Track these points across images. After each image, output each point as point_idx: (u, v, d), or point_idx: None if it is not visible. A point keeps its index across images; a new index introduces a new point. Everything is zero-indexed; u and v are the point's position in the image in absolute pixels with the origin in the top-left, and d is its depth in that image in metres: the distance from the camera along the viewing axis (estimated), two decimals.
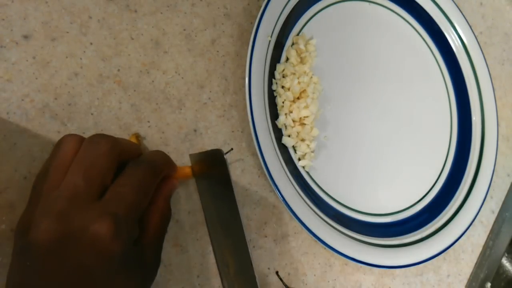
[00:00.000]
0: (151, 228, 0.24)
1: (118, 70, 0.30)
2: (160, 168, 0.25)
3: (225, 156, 0.28)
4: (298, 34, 0.37)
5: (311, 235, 0.31)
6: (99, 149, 0.22)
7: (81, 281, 0.19)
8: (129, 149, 0.24)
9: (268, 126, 0.32)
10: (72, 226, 0.19)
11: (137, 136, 0.29)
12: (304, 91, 0.35)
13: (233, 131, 0.33)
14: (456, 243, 0.38)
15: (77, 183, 0.21)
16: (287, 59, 0.36)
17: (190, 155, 0.30)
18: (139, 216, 0.23)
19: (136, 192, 0.22)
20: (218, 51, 0.34)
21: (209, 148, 0.32)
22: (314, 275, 0.34)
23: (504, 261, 0.50)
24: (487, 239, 0.44)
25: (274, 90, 0.34)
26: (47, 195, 0.21)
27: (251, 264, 0.27)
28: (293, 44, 0.36)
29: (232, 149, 0.32)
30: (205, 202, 0.30)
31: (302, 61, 0.36)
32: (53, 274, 0.19)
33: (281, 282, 0.32)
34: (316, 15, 0.38)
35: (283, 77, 0.35)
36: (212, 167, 0.29)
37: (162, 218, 0.25)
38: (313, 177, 0.35)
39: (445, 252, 0.37)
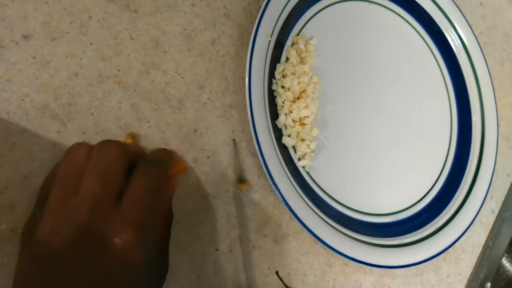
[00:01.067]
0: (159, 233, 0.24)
1: (118, 70, 0.30)
2: (169, 165, 0.25)
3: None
4: (298, 34, 0.37)
5: (311, 235, 0.31)
6: (111, 154, 0.22)
7: (105, 282, 0.19)
8: (137, 152, 0.25)
9: (268, 126, 0.32)
10: (97, 235, 0.19)
11: (133, 135, 0.29)
12: (304, 91, 0.35)
13: (233, 131, 0.33)
14: (456, 243, 0.38)
15: (95, 189, 0.20)
16: (287, 59, 0.36)
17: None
18: (159, 223, 0.22)
19: (152, 194, 0.22)
20: (218, 51, 0.34)
21: (208, 148, 0.32)
22: (314, 275, 0.34)
23: (504, 261, 0.50)
24: (487, 239, 0.44)
25: (274, 90, 0.34)
26: (64, 202, 0.20)
27: None
28: (293, 44, 0.36)
29: (234, 140, 0.32)
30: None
31: (302, 61, 0.36)
32: (80, 282, 0.19)
33: (281, 282, 0.32)
34: (316, 15, 0.38)
35: (283, 77, 0.35)
36: None
37: (167, 222, 0.25)
38: (313, 177, 0.35)
39: (445, 252, 0.37)
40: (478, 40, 0.45)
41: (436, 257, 0.37)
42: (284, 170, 0.32)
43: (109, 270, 0.19)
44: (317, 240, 0.32)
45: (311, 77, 0.36)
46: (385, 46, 0.42)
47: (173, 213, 0.27)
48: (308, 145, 0.34)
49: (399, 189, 0.39)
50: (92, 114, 0.29)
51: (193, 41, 0.33)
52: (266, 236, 0.33)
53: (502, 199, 0.46)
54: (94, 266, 0.19)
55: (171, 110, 0.31)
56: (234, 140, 0.33)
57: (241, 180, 0.32)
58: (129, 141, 0.29)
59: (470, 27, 0.45)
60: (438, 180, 0.42)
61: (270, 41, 0.33)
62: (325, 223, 0.33)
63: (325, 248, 0.34)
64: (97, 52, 0.30)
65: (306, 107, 0.34)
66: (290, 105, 0.34)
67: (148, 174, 0.22)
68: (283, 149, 0.34)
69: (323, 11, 0.39)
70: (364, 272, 0.36)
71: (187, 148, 0.31)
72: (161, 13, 0.32)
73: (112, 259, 0.19)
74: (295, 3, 0.36)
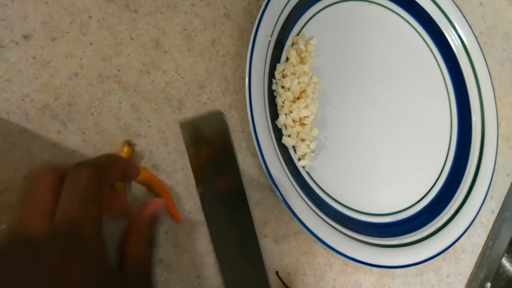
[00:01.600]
0: (132, 253, 0.21)
1: (118, 70, 0.30)
2: (104, 166, 0.21)
3: (225, 119, 0.24)
4: (298, 34, 0.37)
5: (311, 235, 0.31)
6: (34, 180, 0.20)
7: None
8: (109, 169, 0.21)
9: (268, 126, 0.32)
10: (23, 268, 0.17)
11: (129, 142, 0.29)
12: (304, 91, 0.35)
13: (233, 131, 0.33)
14: (456, 243, 0.38)
15: (19, 220, 0.19)
16: (287, 59, 0.36)
17: (182, 124, 0.26)
18: (99, 229, 0.19)
19: (83, 202, 0.19)
20: (218, 51, 0.34)
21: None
22: (314, 275, 0.34)
23: (504, 261, 0.50)
24: (487, 239, 0.44)
25: (274, 90, 0.34)
26: None
27: (263, 266, 0.24)
28: (293, 44, 0.36)
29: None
30: (202, 189, 0.26)
31: (302, 61, 0.36)
32: None
33: (281, 282, 0.32)
34: (316, 15, 0.38)
35: (283, 77, 0.35)
36: (210, 136, 0.25)
37: (143, 242, 0.22)
38: (313, 177, 0.35)
39: (445, 252, 0.37)
40: (478, 40, 0.45)
41: (436, 257, 0.37)
42: (284, 170, 0.32)
43: None
44: (317, 240, 0.32)
45: (311, 77, 0.36)
46: (385, 46, 0.42)
47: (155, 237, 0.24)
48: (308, 145, 0.34)
49: (399, 189, 0.39)
50: (92, 114, 0.29)
51: (193, 41, 0.33)
52: (266, 236, 0.33)
53: (502, 199, 0.46)
54: None
55: (171, 110, 0.31)
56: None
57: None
58: (125, 148, 0.28)
59: (470, 27, 0.45)
60: (438, 180, 0.42)
61: (270, 41, 0.33)
62: (325, 223, 0.33)
63: (325, 248, 0.34)
64: (97, 52, 0.30)
65: (306, 107, 0.34)
66: (290, 105, 0.34)
67: (75, 180, 0.20)
68: (283, 149, 0.34)
69: (323, 11, 0.39)
70: (364, 272, 0.36)
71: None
72: (161, 13, 0.32)
73: (46, 284, 0.17)
74: (295, 3, 0.36)
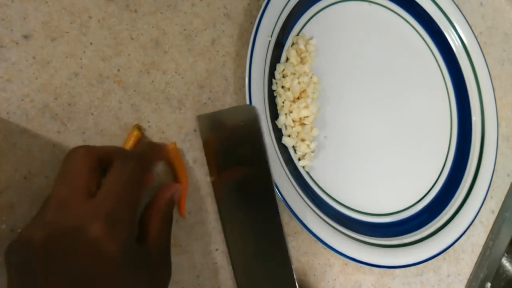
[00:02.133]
0: (153, 228, 0.24)
1: (118, 70, 0.30)
2: (148, 158, 0.24)
3: (256, 111, 0.23)
4: (298, 34, 0.37)
5: (311, 235, 0.31)
6: (73, 157, 0.22)
7: (83, 285, 0.19)
8: (110, 150, 0.24)
9: (268, 126, 0.32)
10: (65, 233, 0.19)
11: (139, 127, 0.29)
12: (304, 91, 0.35)
13: None
14: (456, 243, 0.38)
15: (60, 192, 0.21)
16: (287, 59, 0.36)
17: (199, 117, 0.27)
18: (134, 213, 0.22)
19: (125, 187, 0.22)
20: (218, 51, 0.34)
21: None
22: (314, 275, 0.34)
23: (504, 261, 0.50)
24: (487, 239, 0.44)
25: (274, 90, 0.34)
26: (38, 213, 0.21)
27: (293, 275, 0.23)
28: (293, 44, 0.36)
29: None
30: (216, 178, 0.26)
31: (302, 61, 0.36)
32: (54, 283, 0.19)
33: None
34: (316, 15, 0.38)
35: (283, 77, 0.35)
36: (236, 130, 0.25)
37: (163, 219, 0.25)
38: (313, 177, 0.35)
39: (445, 252, 0.37)
40: (478, 40, 0.45)
41: (436, 257, 0.37)
42: (284, 170, 0.32)
43: (82, 265, 0.19)
44: (317, 240, 0.32)
45: (311, 77, 0.36)
46: (385, 46, 0.42)
47: (173, 215, 0.27)
48: (308, 145, 0.34)
49: (399, 189, 0.39)
50: (92, 114, 0.29)
51: (193, 41, 0.33)
52: None
53: (502, 199, 0.46)
54: (67, 264, 0.19)
55: (171, 110, 0.31)
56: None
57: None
58: (135, 132, 0.29)
59: (470, 27, 0.45)
60: (438, 180, 0.42)
61: (270, 41, 0.33)
62: (325, 223, 0.33)
63: (325, 248, 0.34)
64: (97, 52, 0.30)
65: (306, 107, 0.34)
66: (290, 105, 0.34)
67: (121, 168, 0.22)
68: (283, 149, 0.34)
69: (323, 11, 0.39)
70: (364, 272, 0.36)
71: (187, 148, 0.31)
72: (161, 13, 0.32)
73: (84, 254, 0.19)
74: (295, 3, 0.36)
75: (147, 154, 0.25)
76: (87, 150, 0.23)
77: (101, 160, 0.23)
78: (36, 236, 0.19)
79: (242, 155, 0.25)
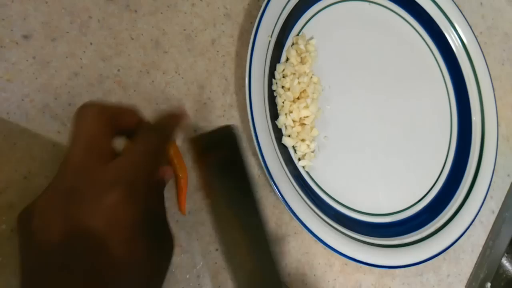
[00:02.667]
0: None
1: (118, 70, 0.30)
2: (171, 132, 0.24)
3: (234, 132, 0.25)
4: (298, 34, 0.37)
5: (311, 235, 0.31)
6: (87, 118, 0.21)
7: (99, 250, 0.19)
8: (120, 110, 0.23)
9: (268, 126, 0.32)
10: (84, 197, 0.19)
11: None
12: (304, 91, 0.35)
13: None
14: (456, 243, 0.38)
15: (76, 156, 0.20)
16: (287, 59, 0.36)
17: (191, 139, 0.28)
18: (151, 184, 0.22)
19: (147, 158, 0.21)
20: (218, 51, 0.34)
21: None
22: (314, 275, 0.34)
23: (504, 261, 0.50)
24: (487, 239, 0.44)
25: (274, 90, 0.34)
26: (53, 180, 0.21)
27: (274, 263, 0.24)
28: (293, 44, 0.36)
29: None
30: (214, 194, 0.27)
31: (302, 61, 0.36)
32: (71, 244, 0.19)
33: None
34: (316, 15, 0.38)
35: (283, 77, 0.35)
36: (221, 149, 0.27)
37: (160, 191, 0.25)
38: (313, 177, 0.35)
39: (445, 252, 0.37)
40: (478, 40, 0.45)
41: (436, 257, 0.37)
42: (284, 170, 0.32)
43: (98, 229, 0.19)
44: (317, 240, 0.32)
45: (311, 77, 0.36)
46: (385, 46, 0.42)
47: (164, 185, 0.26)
48: (308, 145, 0.34)
49: (399, 189, 0.39)
50: None
51: (193, 41, 0.33)
52: None
53: (502, 199, 0.46)
54: (83, 228, 0.19)
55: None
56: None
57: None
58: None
59: (470, 27, 0.45)
60: (438, 180, 0.42)
61: (270, 41, 0.33)
62: (325, 223, 0.33)
63: (325, 248, 0.34)
64: (97, 52, 0.30)
65: (306, 107, 0.34)
66: (290, 105, 0.34)
67: (145, 140, 0.22)
68: (283, 149, 0.34)
69: (323, 11, 0.39)
70: (364, 272, 0.36)
71: (187, 148, 0.31)
72: (161, 13, 0.32)
73: (99, 216, 0.19)
74: (295, 3, 0.36)
75: (169, 126, 0.24)
76: (98, 109, 0.22)
77: (114, 120, 0.22)
78: (54, 202, 0.19)
79: (227, 174, 0.27)
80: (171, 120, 0.25)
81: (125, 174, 0.20)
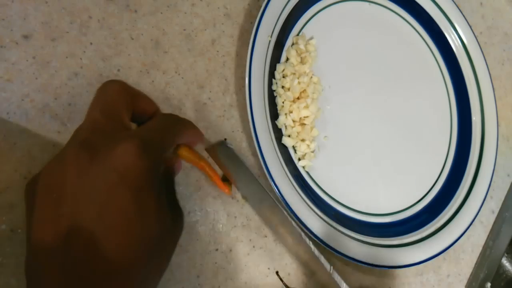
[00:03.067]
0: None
1: (118, 70, 0.30)
2: (189, 124, 0.25)
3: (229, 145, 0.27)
4: (298, 34, 0.37)
5: (311, 235, 0.31)
6: (112, 90, 0.22)
7: (108, 196, 0.19)
8: (141, 94, 0.25)
9: (268, 126, 0.32)
10: (98, 148, 0.19)
11: None
12: (304, 91, 0.35)
13: (233, 131, 0.33)
14: (456, 243, 0.38)
15: (96, 118, 0.21)
16: (287, 59, 0.36)
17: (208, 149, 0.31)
18: (165, 153, 0.23)
19: (164, 131, 0.22)
20: (218, 51, 0.34)
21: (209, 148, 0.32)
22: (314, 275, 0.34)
23: (504, 261, 0.50)
24: (487, 239, 0.44)
25: (274, 90, 0.34)
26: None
27: None
28: (293, 44, 0.36)
29: (225, 139, 0.33)
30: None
31: (302, 61, 0.36)
32: (82, 192, 0.19)
33: (281, 282, 0.32)
34: (316, 15, 0.38)
35: (283, 77, 0.35)
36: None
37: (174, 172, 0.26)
38: (313, 177, 0.35)
39: (445, 252, 0.37)
40: (478, 40, 0.45)
41: (436, 257, 0.37)
42: (284, 170, 0.32)
43: (109, 173, 0.19)
44: (317, 240, 0.32)
45: (311, 77, 0.36)
46: (385, 46, 0.42)
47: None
48: (308, 145, 0.34)
49: (399, 189, 0.39)
50: None
51: (193, 41, 0.33)
52: (266, 236, 0.33)
53: (502, 199, 0.46)
54: (95, 176, 0.19)
55: (171, 110, 0.31)
56: (225, 139, 0.33)
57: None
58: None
59: (470, 27, 0.45)
60: (438, 180, 0.42)
61: (270, 41, 0.33)
62: (325, 223, 0.33)
63: (325, 248, 0.34)
64: (97, 52, 0.30)
65: (306, 107, 0.34)
66: (290, 105, 0.34)
67: (164, 118, 0.23)
68: (283, 149, 0.34)
69: (323, 11, 0.39)
70: (364, 272, 0.36)
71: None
72: (161, 13, 0.32)
73: (112, 161, 0.19)
74: (295, 3, 0.36)
75: (188, 122, 0.25)
76: (123, 86, 0.23)
77: (134, 100, 0.23)
78: (69, 150, 0.19)
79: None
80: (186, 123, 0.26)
81: (141, 132, 0.21)
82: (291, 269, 0.33)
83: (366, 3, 0.42)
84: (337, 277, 0.31)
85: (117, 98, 0.22)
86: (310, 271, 0.33)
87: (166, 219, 0.21)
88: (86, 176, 0.19)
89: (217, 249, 0.31)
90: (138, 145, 0.19)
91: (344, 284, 0.31)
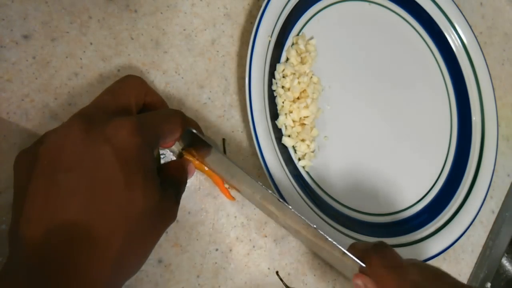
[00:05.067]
0: (172, 169, 0.26)
1: (118, 70, 0.30)
2: (188, 119, 0.26)
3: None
4: (298, 34, 0.37)
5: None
6: (129, 82, 0.24)
7: (97, 165, 0.19)
8: (155, 94, 0.26)
9: (268, 126, 0.32)
10: (95, 120, 0.20)
11: None
12: (304, 91, 0.35)
13: (233, 131, 0.33)
14: (456, 243, 0.38)
15: (103, 97, 0.23)
16: (287, 59, 0.36)
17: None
18: (160, 140, 0.23)
19: (162, 119, 0.23)
20: (218, 51, 0.34)
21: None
22: (314, 275, 0.34)
23: (504, 261, 0.50)
24: (487, 239, 0.44)
25: (274, 90, 0.34)
26: None
27: None
28: (293, 44, 0.36)
29: (224, 139, 0.33)
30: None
31: (302, 61, 0.36)
32: (77, 165, 0.19)
33: (281, 282, 0.32)
34: (316, 15, 0.38)
35: (283, 77, 0.35)
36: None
37: (183, 169, 0.27)
38: (313, 177, 0.35)
39: (445, 252, 0.37)
40: (478, 40, 0.45)
41: (436, 257, 0.37)
42: (284, 170, 0.32)
43: (102, 153, 0.19)
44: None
45: (311, 77, 0.36)
46: (385, 46, 0.42)
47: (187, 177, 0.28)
48: (308, 145, 0.34)
49: (399, 189, 0.39)
50: None
51: (193, 41, 0.33)
52: (266, 236, 0.33)
53: (502, 199, 0.46)
54: (89, 149, 0.20)
55: None
56: (224, 139, 0.33)
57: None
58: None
59: (470, 27, 0.45)
60: (438, 180, 0.42)
61: (270, 41, 0.33)
62: (325, 223, 0.33)
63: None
64: (97, 52, 0.30)
65: (306, 107, 0.34)
66: (290, 105, 0.34)
67: (164, 111, 0.25)
68: (283, 149, 0.34)
69: (323, 11, 0.39)
70: None
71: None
72: (161, 13, 0.32)
73: (107, 142, 0.20)
74: (295, 3, 0.36)
75: (188, 117, 0.27)
76: (140, 80, 0.25)
77: (147, 96, 0.25)
78: (70, 122, 0.20)
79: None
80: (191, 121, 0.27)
81: (140, 116, 0.22)
82: (291, 269, 0.33)
83: (366, 3, 0.42)
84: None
85: (130, 88, 0.24)
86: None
87: (153, 197, 0.21)
88: (79, 145, 0.20)
89: (217, 249, 0.31)
90: (134, 122, 0.20)
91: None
